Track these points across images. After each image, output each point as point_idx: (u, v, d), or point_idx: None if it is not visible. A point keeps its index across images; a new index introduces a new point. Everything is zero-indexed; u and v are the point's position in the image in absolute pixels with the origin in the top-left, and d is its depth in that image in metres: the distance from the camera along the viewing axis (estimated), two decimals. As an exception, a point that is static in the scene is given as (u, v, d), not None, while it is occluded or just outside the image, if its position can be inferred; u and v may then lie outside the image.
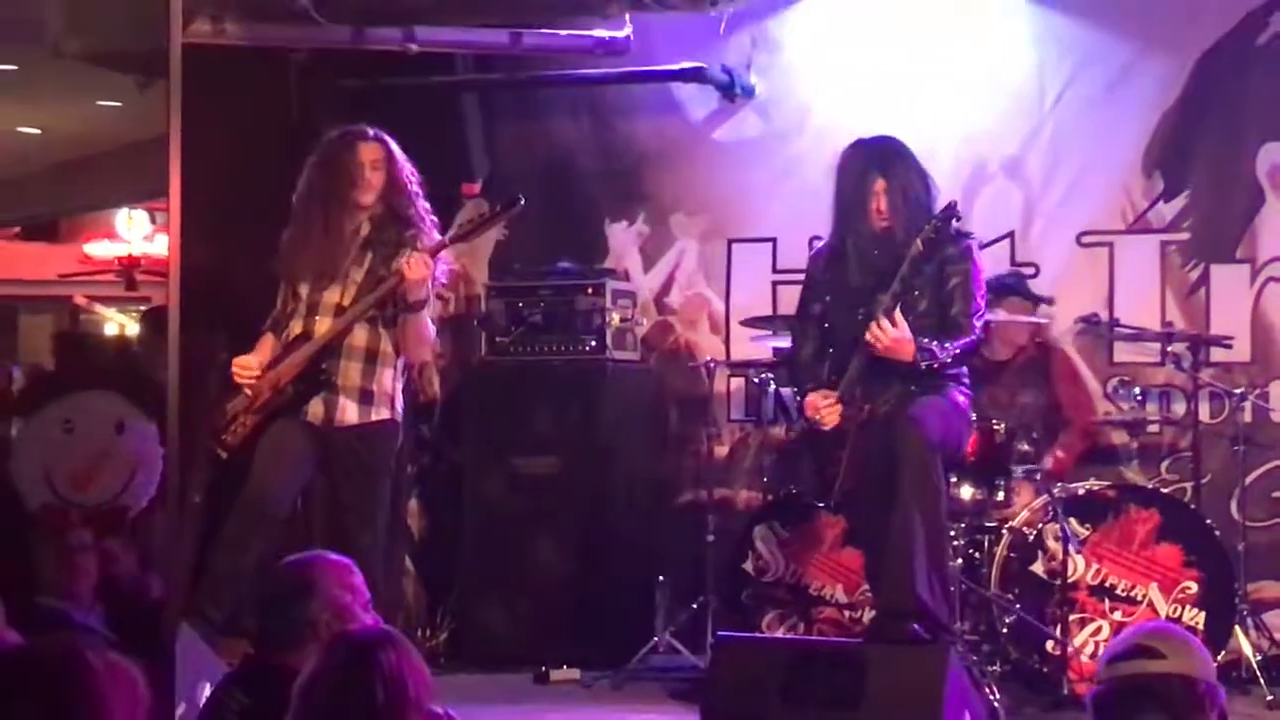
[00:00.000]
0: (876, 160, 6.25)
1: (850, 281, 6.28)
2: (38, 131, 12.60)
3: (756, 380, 8.17)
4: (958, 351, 6.12)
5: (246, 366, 6.52)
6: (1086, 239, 8.14)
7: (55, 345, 14.14)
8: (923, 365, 6.04)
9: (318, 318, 6.48)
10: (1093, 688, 3.72)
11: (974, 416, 6.46)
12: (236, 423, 6.52)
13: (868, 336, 5.99)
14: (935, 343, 6.03)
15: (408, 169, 6.60)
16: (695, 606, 7.66)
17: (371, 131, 6.59)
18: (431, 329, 6.59)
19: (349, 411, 6.44)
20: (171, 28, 4.00)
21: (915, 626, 5.75)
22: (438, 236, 6.57)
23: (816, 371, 6.31)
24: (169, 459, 4.20)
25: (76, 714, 2.63)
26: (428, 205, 6.65)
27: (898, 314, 5.96)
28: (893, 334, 5.94)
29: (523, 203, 6.53)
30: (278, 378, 6.47)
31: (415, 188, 6.60)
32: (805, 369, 6.41)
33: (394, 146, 6.58)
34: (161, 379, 7.56)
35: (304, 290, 6.54)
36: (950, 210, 6.06)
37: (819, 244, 6.68)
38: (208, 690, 4.93)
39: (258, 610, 4.64)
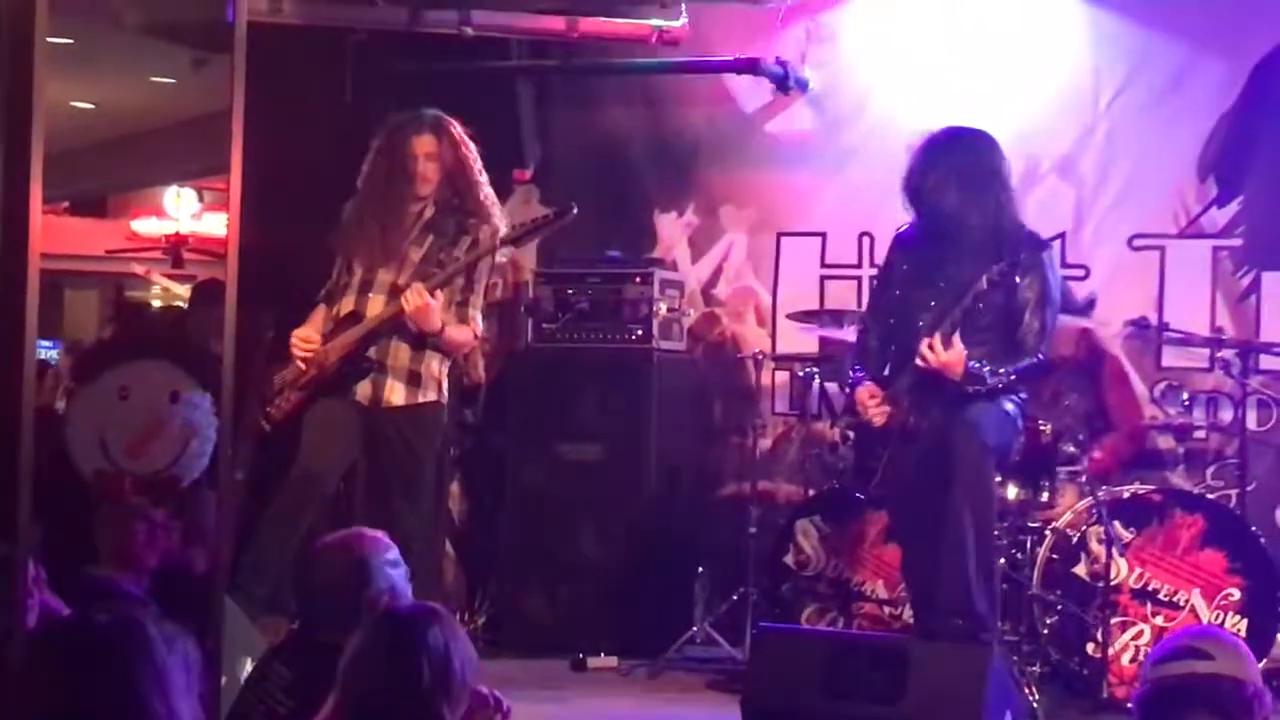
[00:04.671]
0: (936, 154, 6.22)
1: (918, 281, 6.25)
2: (91, 106, 12.65)
3: (801, 374, 8.17)
4: (1013, 376, 6.08)
5: (308, 340, 6.53)
6: (1138, 242, 8.09)
7: (113, 314, 14.19)
8: (969, 389, 6.01)
9: (370, 296, 6.50)
10: (1138, 689, 3.71)
11: (1022, 425, 6.42)
12: (281, 396, 6.55)
13: (917, 358, 5.97)
14: (988, 368, 6.00)
15: (469, 155, 6.59)
16: (735, 598, 7.68)
17: (428, 122, 6.58)
18: (462, 336, 6.58)
19: (396, 392, 6.47)
20: (239, 2, 4.01)
21: (960, 624, 5.74)
22: (498, 223, 6.58)
23: (880, 361, 6.30)
24: (223, 432, 4.21)
25: (137, 684, 2.64)
26: (489, 192, 6.65)
27: (955, 336, 5.93)
28: (944, 357, 5.91)
29: (575, 212, 6.53)
30: (325, 356, 6.48)
31: (475, 175, 6.60)
32: (870, 357, 6.40)
33: (451, 134, 6.57)
34: (213, 350, 7.63)
35: (359, 267, 6.56)
36: (1014, 261, 6.00)
37: (901, 229, 6.59)
38: (249, 666, 4.94)
39: (309, 590, 4.62)
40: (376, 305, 6.47)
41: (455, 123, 6.61)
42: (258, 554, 6.30)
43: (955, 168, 6.20)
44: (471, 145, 6.62)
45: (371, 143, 6.71)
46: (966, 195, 6.16)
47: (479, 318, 6.63)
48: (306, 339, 6.54)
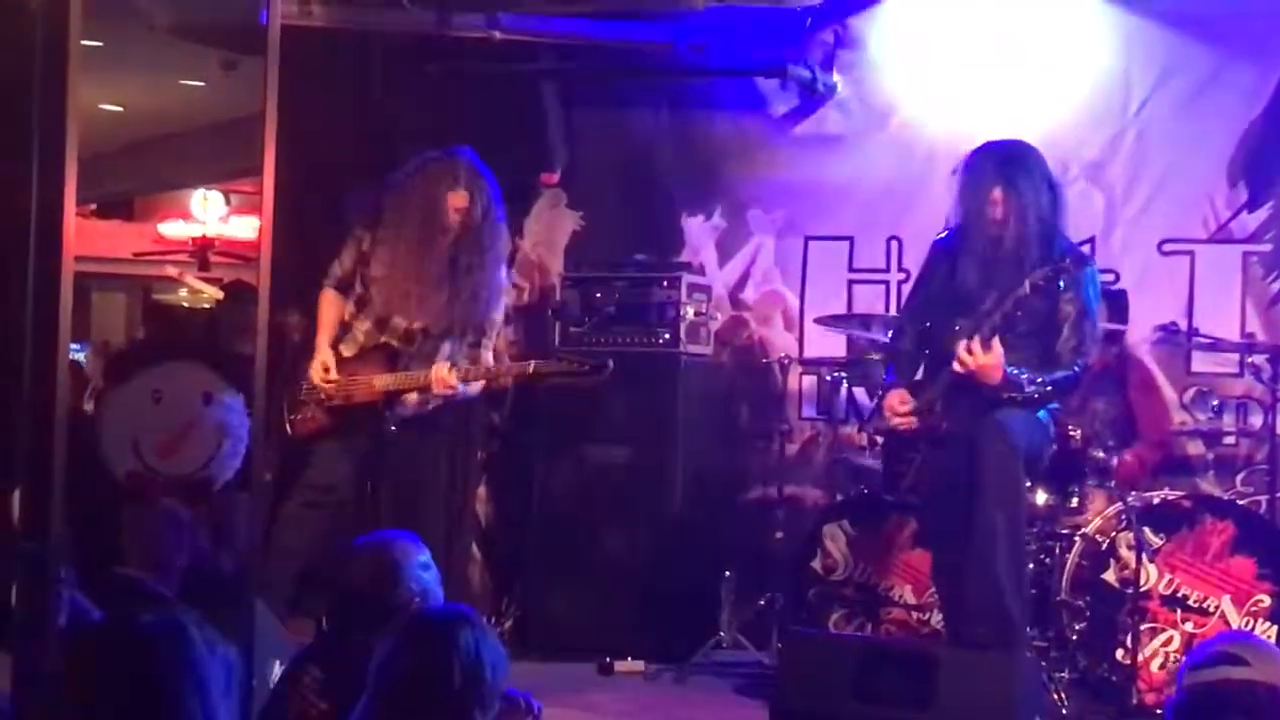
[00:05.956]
0: (998, 167, 6.18)
1: (960, 286, 6.21)
2: (119, 109, 12.68)
3: (829, 378, 8.14)
4: (1049, 388, 6.05)
5: (328, 378, 6.72)
6: (1167, 247, 8.06)
7: (145, 317, 14.22)
8: (1004, 396, 5.98)
9: (383, 337, 6.77)
10: (1173, 694, 3.69)
11: (1054, 433, 6.40)
12: (307, 410, 6.65)
13: (955, 362, 5.93)
14: (1026, 375, 5.96)
15: (491, 210, 6.81)
16: (761, 603, 7.66)
17: (464, 177, 6.75)
18: (476, 389, 6.87)
19: (410, 399, 6.61)
20: (272, 4, 4.01)
21: (990, 630, 5.72)
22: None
23: (913, 365, 6.26)
24: (255, 434, 4.22)
25: (178, 686, 2.64)
26: (502, 237, 6.89)
27: (995, 341, 5.88)
28: (982, 360, 5.86)
29: (610, 367, 6.69)
30: (350, 394, 6.60)
31: (490, 238, 6.81)
32: (903, 360, 6.37)
33: (485, 192, 6.78)
34: (244, 352, 7.67)
35: (378, 295, 6.68)
36: (1057, 268, 5.95)
37: (939, 237, 6.58)
38: (278, 668, 4.94)
39: (341, 592, 4.64)
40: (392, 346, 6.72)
41: (489, 179, 6.77)
42: (277, 556, 6.40)
43: (1008, 180, 6.14)
44: (499, 204, 6.86)
45: (403, 175, 6.85)
46: (1019, 208, 6.11)
47: (489, 354, 6.88)
48: (327, 373, 6.70)
